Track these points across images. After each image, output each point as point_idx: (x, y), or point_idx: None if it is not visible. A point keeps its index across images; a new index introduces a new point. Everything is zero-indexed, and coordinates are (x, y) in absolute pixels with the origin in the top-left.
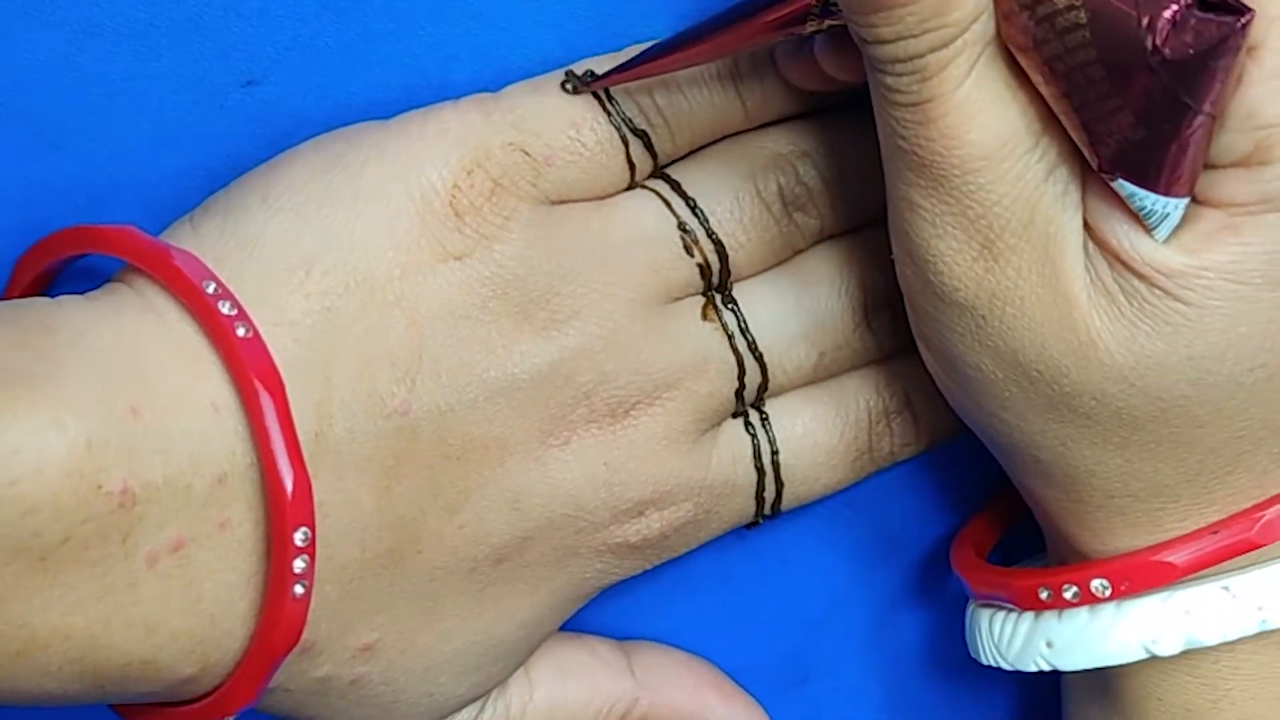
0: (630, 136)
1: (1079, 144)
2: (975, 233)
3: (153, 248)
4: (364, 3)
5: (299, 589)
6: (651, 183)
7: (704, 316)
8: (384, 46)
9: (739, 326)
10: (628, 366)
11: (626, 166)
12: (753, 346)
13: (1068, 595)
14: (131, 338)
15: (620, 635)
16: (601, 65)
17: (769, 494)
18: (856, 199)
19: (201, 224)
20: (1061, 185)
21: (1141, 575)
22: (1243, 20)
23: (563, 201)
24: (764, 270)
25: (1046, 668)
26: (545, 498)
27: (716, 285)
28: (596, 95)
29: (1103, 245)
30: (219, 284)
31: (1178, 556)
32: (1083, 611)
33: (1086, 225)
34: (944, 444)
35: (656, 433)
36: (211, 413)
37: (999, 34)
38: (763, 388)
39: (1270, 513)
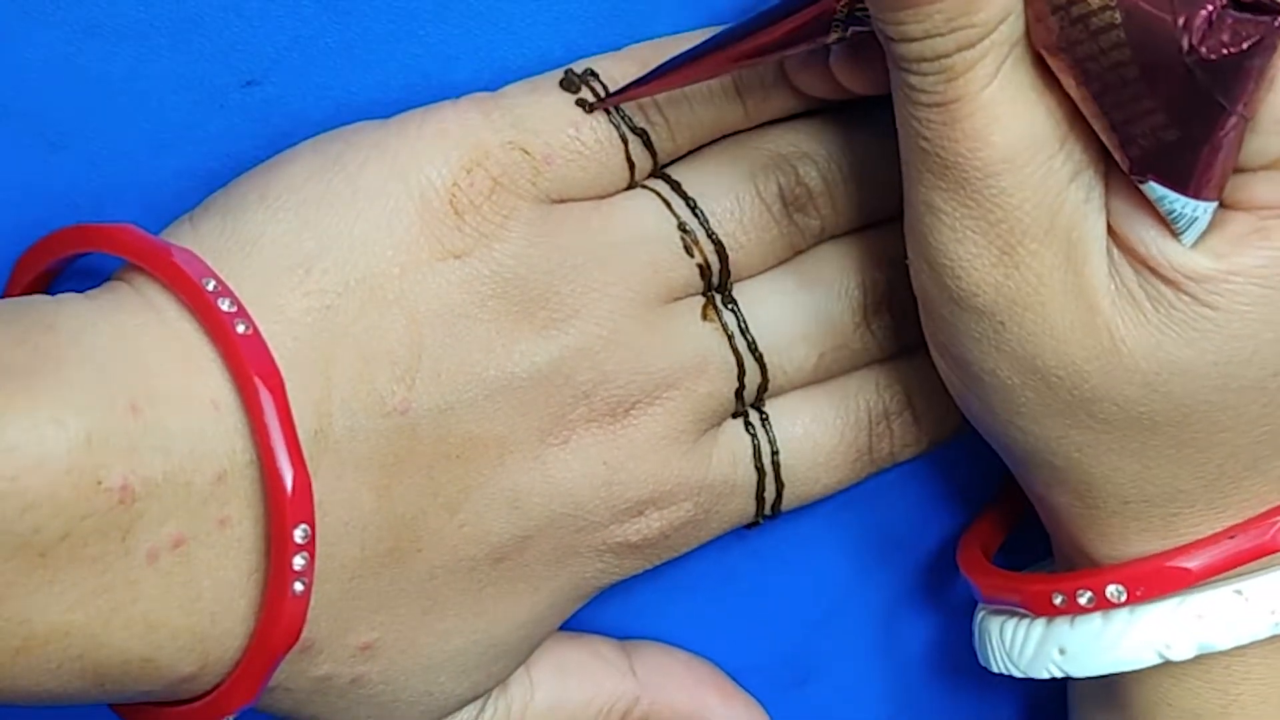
0: (629, 135)
1: (1109, 146)
2: (995, 237)
3: (152, 246)
4: (364, 3)
5: (299, 586)
6: (652, 182)
7: (704, 316)
8: (384, 46)
9: (739, 327)
10: (627, 366)
11: (626, 165)
12: (752, 347)
13: (1082, 601)
14: (131, 335)
15: (620, 635)
16: (601, 65)
17: (769, 494)
18: (857, 199)
19: (201, 223)
20: (1085, 190)
21: (1157, 581)
22: (1279, 20)
23: (562, 200)
24: (764, 270)
25: (1059, 674)
26: (545, 497)
27: (716, 285)
28: (596, 94)
29: (1128, 250)
30: (219, 281)
31: (1194, 562)
32: (1096, 617)
33: (1111, 230)
34: (944, 444)
35: (656, 432)
36: (211, 410)
37: (1027, 36)
38: (763, 388)
39: None
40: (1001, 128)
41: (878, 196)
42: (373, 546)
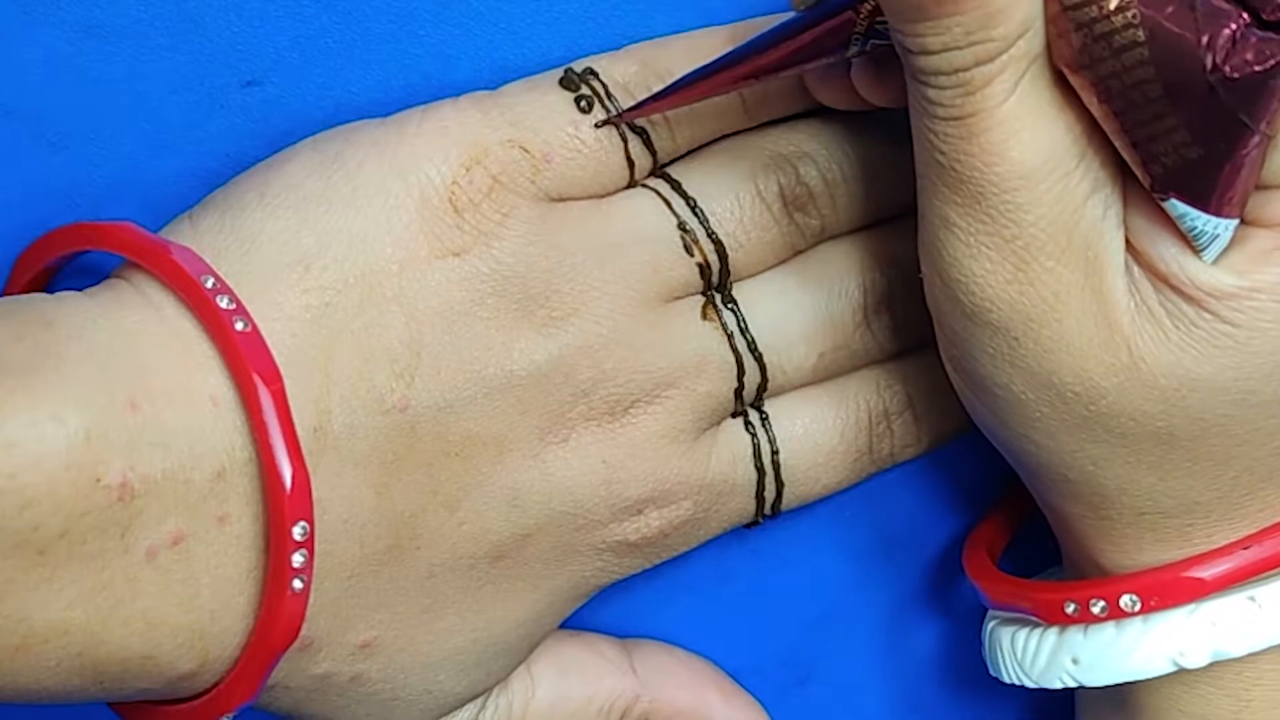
0: (629, 134)
1: (1130, 163)
2: (1010, 253)
3: (151, 243)
4: (364, 3)
5: (298, 584)
6: (652, 182)
7: (704, 316)
8: (384, 46)
9: (739, 326)
10: (627, 365)
11: (625, 164)
12: (752, 346)
13: (1095, 610)
14: (130, 332)
15: (620, 635)
16: (601, 64)
17: (769, 494)
18: (858, 199)
19: (200, 221)
20: (1103, 206)
21: (1171, 590)
22: None
23: (562, 199)
24: (764, 270)
25: (1072, 684)
26: (544, 495)
27: (716, 285)
28: (596, 93)
29: (1148, 267)
30: (217, 279)
31: (1209, 572)
32: (1109, 626)
33: (1130, 247)
34: (946, 445)
35: (656, 431)
36: (210, 407)
37: (1047, 53)
38: (762, 388)
39: None
40: (1019, 143)
41: (878, 196)
42: (372, 544)
